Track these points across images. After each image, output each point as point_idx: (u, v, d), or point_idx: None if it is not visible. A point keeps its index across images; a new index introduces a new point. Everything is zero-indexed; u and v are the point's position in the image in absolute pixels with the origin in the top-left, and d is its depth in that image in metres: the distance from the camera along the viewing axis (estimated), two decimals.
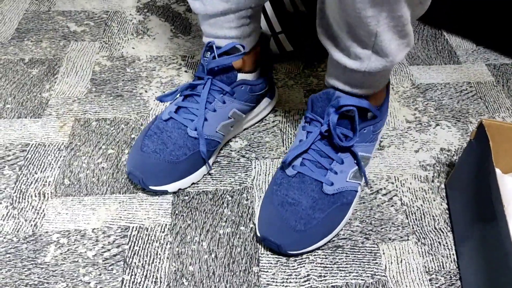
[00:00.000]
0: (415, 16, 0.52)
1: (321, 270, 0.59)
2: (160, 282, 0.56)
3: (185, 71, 0.84)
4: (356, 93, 0.59)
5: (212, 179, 0.68)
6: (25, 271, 0.56)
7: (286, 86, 0.83)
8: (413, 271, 0.59)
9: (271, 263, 0.59)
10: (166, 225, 0.62)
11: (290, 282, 0.57)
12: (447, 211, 0.66)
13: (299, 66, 0.87)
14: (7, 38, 0.88)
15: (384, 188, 0.68)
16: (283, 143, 0.73)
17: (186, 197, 0.65)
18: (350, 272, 0.59)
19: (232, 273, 0.58)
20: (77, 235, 0.60)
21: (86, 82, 0.81)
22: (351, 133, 0.60)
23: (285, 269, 0.59)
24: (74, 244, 0.59)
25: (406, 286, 0.58)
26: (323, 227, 0.58)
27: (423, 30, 0.97)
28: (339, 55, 0.56)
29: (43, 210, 0.62)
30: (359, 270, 0.59)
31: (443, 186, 0.69)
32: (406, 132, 0.76)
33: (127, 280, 0.56)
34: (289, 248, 0.57)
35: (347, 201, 0.61)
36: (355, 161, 0.62)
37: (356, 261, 0.60)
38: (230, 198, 0.65)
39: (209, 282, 0.57)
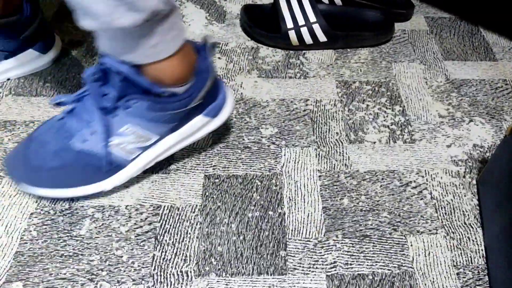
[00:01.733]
0: None
1: (348, 258, 0.59)
2: (190, 260, 0.58)
3: (219, 58, 0.85)
4: (121, 58, 0.54)
5: (242, 164, 0.69)
6: (61, 242, 0.58)
7: (318, 76, 0.83)
8: (440, 264, 0.59)
9: (298, 248, 0.60)
10: (196, 205, 0.63)
11: (316, 268, 0.58)
12: (477, 207, 0.65)
13: (332, 57, 0.87)
14: (48, 19, 0.90)
15: (414, 181, 0.68)
16: (313, 132, 0.74)
17: (217, 180, 0.66)
18: (376, 262, 0.59)
19: (260, 256, 0.59)
20: (111, 210, 0.62)
21: None
22: (114, 93, 0.55)
23: (312, 255, 0.59)
24: (108, 219, 0.61)
25: (433, 278, 0.58)
26: (55, 177, 0.58)
27: (459, 25, 0.96)
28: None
29: None
30: (386, 260, 0.59)
31: (474, 182, 0.68)
32: (439, 126, 0.76)
33: (157, 256, 0.58)
34: (18, 180, 0.59)
35: (98, 165, 0.59)
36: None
37: (383, 251, 0.60)
38: (259, 183, 0.66)
39: (237, 263, 0.58)
